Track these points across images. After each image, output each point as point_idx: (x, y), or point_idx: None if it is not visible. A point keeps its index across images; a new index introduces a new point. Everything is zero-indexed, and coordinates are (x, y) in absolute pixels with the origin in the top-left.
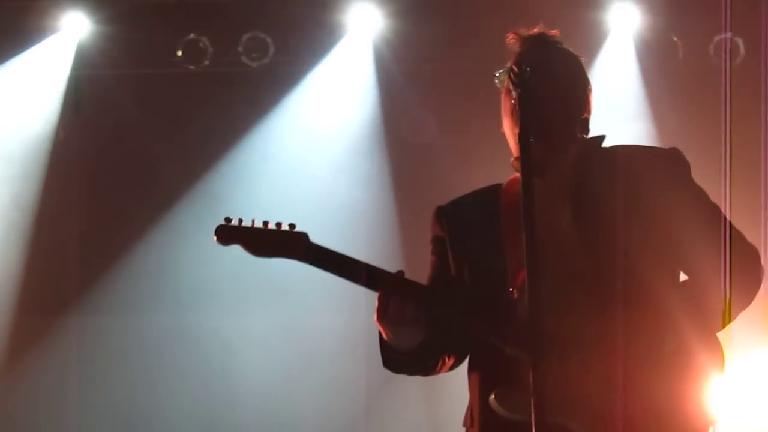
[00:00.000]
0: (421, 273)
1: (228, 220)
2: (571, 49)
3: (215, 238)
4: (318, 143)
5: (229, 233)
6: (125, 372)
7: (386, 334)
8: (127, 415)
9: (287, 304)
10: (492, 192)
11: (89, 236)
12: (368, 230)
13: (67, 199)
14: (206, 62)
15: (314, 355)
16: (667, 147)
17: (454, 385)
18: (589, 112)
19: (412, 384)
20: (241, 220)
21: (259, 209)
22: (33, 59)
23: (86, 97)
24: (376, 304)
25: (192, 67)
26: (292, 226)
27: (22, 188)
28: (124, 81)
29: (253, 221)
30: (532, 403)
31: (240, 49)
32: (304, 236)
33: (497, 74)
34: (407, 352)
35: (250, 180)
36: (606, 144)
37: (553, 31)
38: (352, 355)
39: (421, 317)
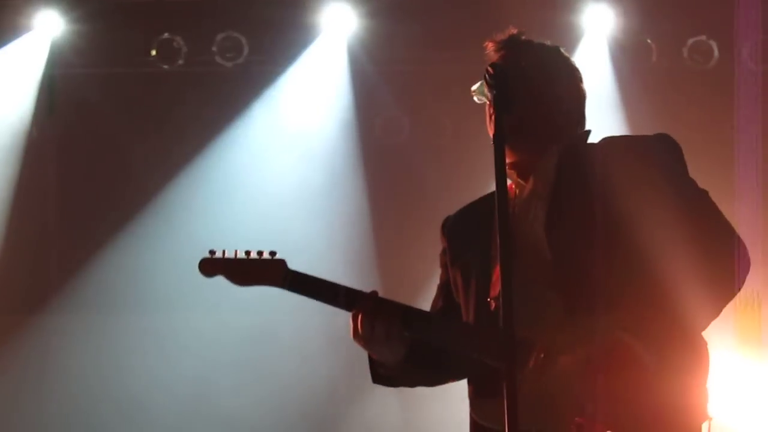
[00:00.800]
0: (395, 269)
1: (212, 252)
2: (547, 43)
3: (199, 271)
4: (292, 143)
5: (211, 266)
6: (101, 371)
7: (366, 351)
8: (103, 414)
9: (264, 304)
10: (492, 199)
11: (64, 235)
12: (342, 229)
13: (41, 198)
14: (180, 62)
15: (291, 354)
16: (654, 134)
17: (429, 392)
18: (575, 103)
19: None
20: (224, 252)
21: (232, 209)
22: (6, 58)
23: (60, 96)
24: (350, 323)
25: (166, 66)
26: (272, 253)
27: None
28: (98, 80)
29: (236, 252)
30: (505, 413)
31: (214, 48)
32: (281, 263)
33: (474, 88)
34: (393, 367)
35: (225, 179)
36: (594, 138)
37: (521, 30)
38: (332, 354)
39: (392, 334)
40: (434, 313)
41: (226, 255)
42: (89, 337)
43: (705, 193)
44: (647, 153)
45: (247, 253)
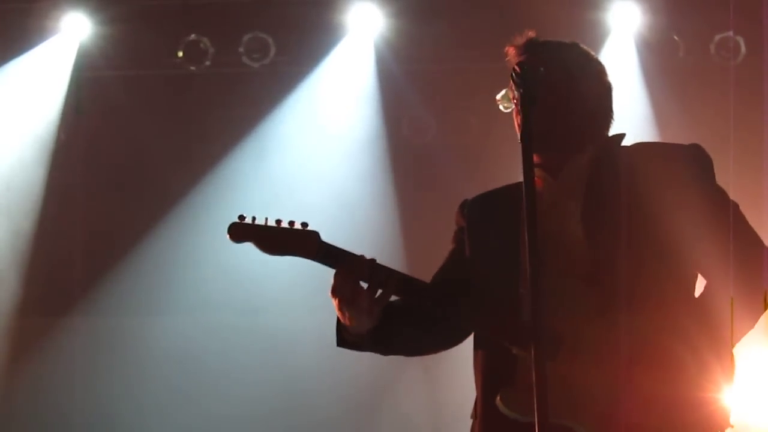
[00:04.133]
0: (422, 270)
1: (242, 218)
2: (566, 41)
3: (228, 235)
4: (319, 143)
5: (241, 231)
6: (130, 372)
7: (339, 311)
8: (132, 415)
9: (291, 305)
10: (517, 189)
11: (92, 237)
12: (369, 229)
13: (69, 200)
14: (207, 63)
15: (317, 353)
16: (688, 144)
17: (459, 374)
18: (601, 99)
19: (416, 378)
20: (254, 218)
21: (259, 210)
22: (34, 61)
23: (87, 99)
24: (337, 281)
25: (193, 67)
26: (304, 224)
27: (24, 190)
28: (125, 82)
29: (266, 219)
30: (535, 403)
31: (241, 49)
32: (314, 235)
33: (499, 97)
34: (358, 335)
35: (252, 180)
36: (626, 142)
37: (538, 33)
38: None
39: (374, 308)
40: (455, 288)
41: (257, 222)
42: (116, 339)
43: (735, 205)
44: (682, 162)
45: (278, 222)
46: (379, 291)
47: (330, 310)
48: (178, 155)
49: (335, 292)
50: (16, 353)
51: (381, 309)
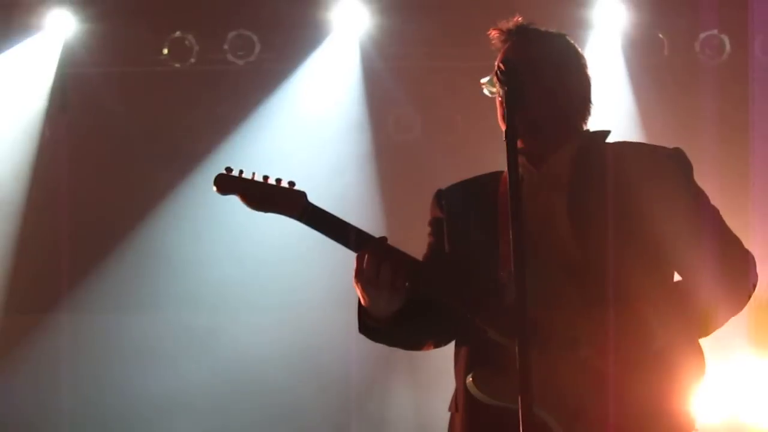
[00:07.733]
0: None
1: (229, 170)
2: (554, 31)
3: (214, 187)
4: (304, 141)
5: (228, 183)
6: (117, 370)
7: (362, 295)
8: (120, 413)
9: (279, 299)
10: (493, 178)
11: (78, 234)
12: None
13: (54, 197)
14: (192, 60)
15: (307, 348)
16: (671, 147)
17: (443, 374)
18: (584, 93)
19: (400, 371)
20: (241, 171)
21: (243, 207)
22: (18, 57)
23: (72, 96)
24: (355, 264)
25: (178, 65)
26: (291, 183)
27: (9, 187)
28: (111, 79)
29: (253, 174)
30: (519, 389)
31: (226, 46)
32: (302, 195)
33: (484, 81)
34: (382, 320)
35: None
36: (611, 139)
37: (527, 19)
38: (343, 348)
39: (396, 281)
40: (444, 272)
41: (244, 175)
42: (101, 337)
43: (717, 210)
44: (664, 163)
45: (265, 177)
46: (396, 273)
47: (311, 308)
48: (163, 152)
49: (357, 276)
50: (2, 351)
51: (400, 294)
